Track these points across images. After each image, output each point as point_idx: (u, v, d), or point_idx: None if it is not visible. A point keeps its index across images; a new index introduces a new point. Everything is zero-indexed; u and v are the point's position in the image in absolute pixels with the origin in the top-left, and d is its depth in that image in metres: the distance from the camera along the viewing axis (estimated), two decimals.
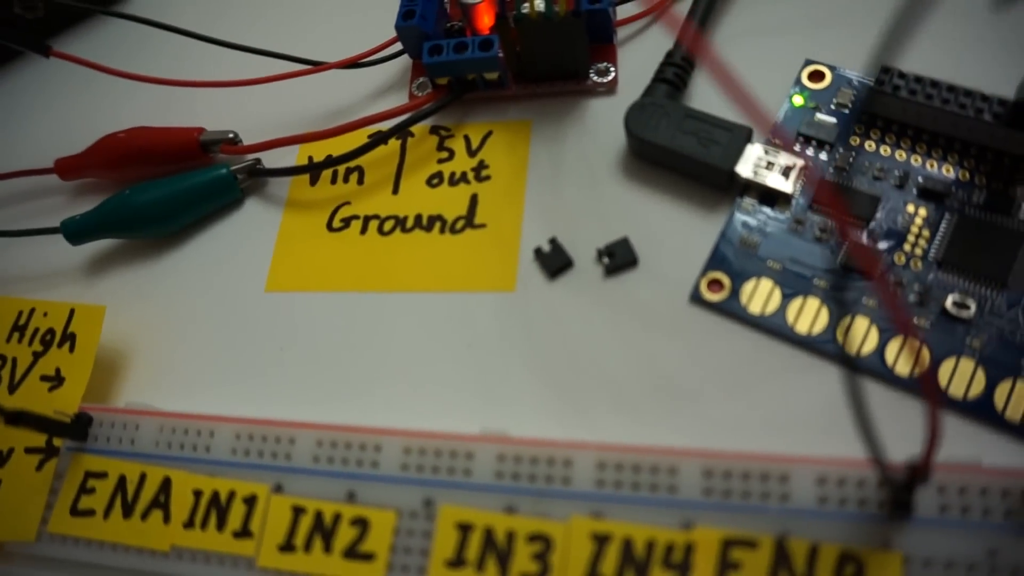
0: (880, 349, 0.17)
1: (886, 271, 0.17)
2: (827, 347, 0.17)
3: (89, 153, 0.24)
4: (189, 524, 0.18)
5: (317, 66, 0.23)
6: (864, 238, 0.17)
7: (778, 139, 0.19)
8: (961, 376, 0.17)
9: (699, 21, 0.21)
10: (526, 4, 0.20)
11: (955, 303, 0.17)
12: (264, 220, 0.23)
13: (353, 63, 0.23)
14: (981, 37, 0.20)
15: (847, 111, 0.20)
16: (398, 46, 0.23)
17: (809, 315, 0.18)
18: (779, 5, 0.22)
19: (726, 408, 0.17)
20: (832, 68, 0.20)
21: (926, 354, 0.17)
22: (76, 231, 0.22)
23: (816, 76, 0.20)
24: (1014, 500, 0.14)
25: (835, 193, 0.18)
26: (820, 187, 0.15)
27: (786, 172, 0.19)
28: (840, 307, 0.18)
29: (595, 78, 0.22)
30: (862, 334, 0.17)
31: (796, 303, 0.18)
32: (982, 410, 0.16)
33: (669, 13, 0.11)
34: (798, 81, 0.20)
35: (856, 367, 0.17)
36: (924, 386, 0.11)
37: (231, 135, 0.23)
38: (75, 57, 0.23)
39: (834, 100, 0.20)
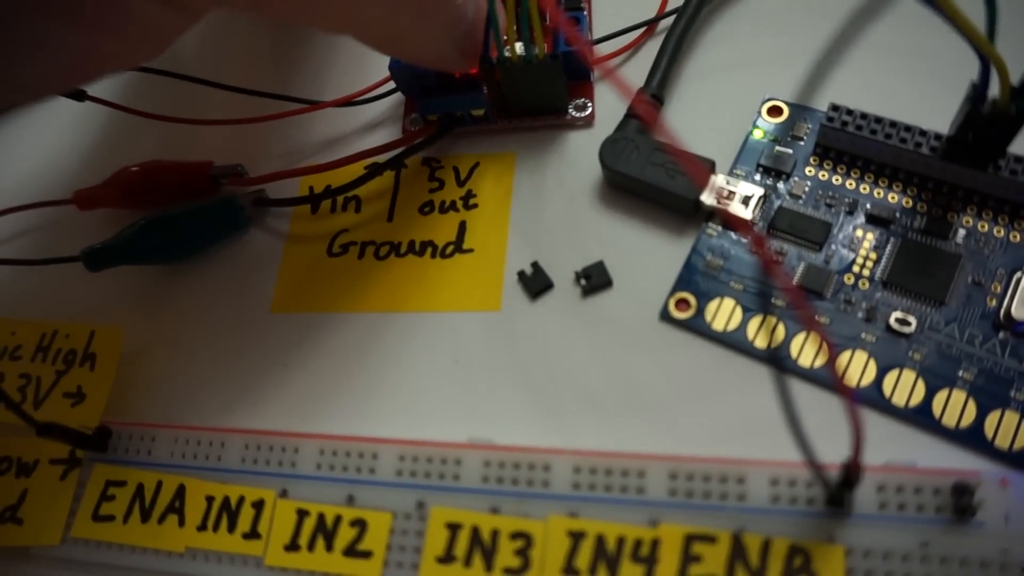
0: (830, 361, 0.19)
1: (797, 286, 0.19)
2: (783, 360, 0.19)
3: (106, 185, 0.25)
4: (202, 527, 0.19)
5: (315, 104, 0.25)
6: (778, 262, 0.18)
7: (724, 203, 0.20)
8: (903, 386, 0.18)
9: (667, 62, 0.23)
10: (508, 48, 0.21)
11: (898, 320, 0.19)
12: (269, 246, 0.24)
13: (349, 101, 0.25)
14: (920, 76, 0.22)
15: (802, 143, 0.22)
16: (391, 84, 0.25)
17: (767, 331, 0.19)
18: (742, 43, 0.24)
19: (691, 416, 0.19)
20: (789, 104, 0.22)
21: (842, 362, 0.18)
22: (95, 259, 0.23)
23: (775, 111, 0.22)
24: (944, 497, 0.16)
25: (746, 222, 0.20)
26: (733, 219, 0.17)
27: (746, 200, 0.20)
28: (795, 323, 0.19)
29: (574, 113, 0.24)
30: (815, 349, 0.19)
31: (756, 320, 0.20)
32: (921, 417, 0.18)
33: (621, 81, 0.13)
34: (758, 115, 0.22)
35: (807, 377, 0.19)
36: (844, 397, 0.13)
37: (238, 168, 0.25)
38: (109, 102, 0.25)
39: (791, 133, 0.22)
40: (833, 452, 0.15)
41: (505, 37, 0.21)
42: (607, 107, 0.24)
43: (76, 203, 0.26)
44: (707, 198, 0.21)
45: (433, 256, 0.23)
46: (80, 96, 0.25)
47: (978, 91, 0.17)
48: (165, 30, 0.15)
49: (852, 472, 0.14)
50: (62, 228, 0.27)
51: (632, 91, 0.14)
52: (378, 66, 0.25)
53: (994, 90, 0.17)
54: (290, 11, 0.17)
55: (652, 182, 0.21)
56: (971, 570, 0.15)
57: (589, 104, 0.24)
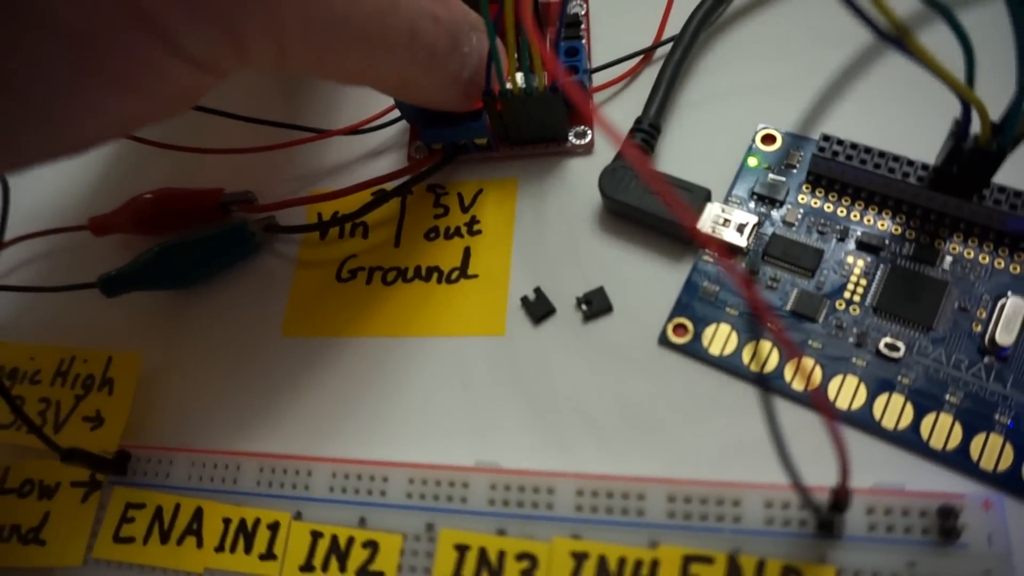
0: (823, 385, 0.20)
1: (770, 310, 0.20)
2: (777, 384, 0.20)
3: (120, 212, 0.26)
4: (220, 548, 0.20)
5: (323, 133, 0.26)
6: (757, 293, 0.19)
7: (720, 231, 0.21)
8: (892, 410, 0.19)
9: (664, 91, 0.24)
10: (509, 81, 0.22)
11: (887, 345, 0.20)
12: (279, 272, 0.25)
13: (355, 130, 0.26)
14: (909, 106, 0.22)
15: (796, 171, 0.22)
16: (396, 113, 0.26)
17: (762, 356, 0.20)
18: (737, 72, 0.25)
19: (688, 439, 0.20)
20: (782, 133, 0.23)
21: (817, 376, 0.19)
22: (112, 285, 0.24)
23: (768, 139, 0.23)
24: (930, 519, 0.17)
25: (726, 252, 0.21)
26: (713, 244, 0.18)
27: (740, 228, 0.21)
28: (788, 348, 0.20)
29: (574, 140, 0.25)
30: (808, 371, 0.20)
31: (751, 346, 0.20)
32: (910, 439, 0.19)
33: (610, 127, 0.14)
34: (752, 143, 0.23)
35: (801, 402, 0.19)
36: (830, 429, 0.13)
37: (248, 195, 0.26)
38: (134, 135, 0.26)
39: (784, 161, 0.22)
40: (826, 475, 0.15)
41: (507, 75, 0.22)
42: (605, 135, 0.25)
43: (91, 229, 0.27)
44: (703, 225, 0.21)
45: (439, 281, 0.24)
46: None
47: (961, 128, 0.17)
48: (193, 90, 0.16)
49: (840, 498, 0.15)
50: (77, 254, 0.27)
51: (621, 136, 0.14)
52: (384, 96, 0.25)
53: (976, 127, 0.17)
54: (309, 71, 0.18)
55: (650, 210, 0.22)
56: None
57: (588, 131, 0.25)
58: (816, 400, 0.13)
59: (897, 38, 0.13)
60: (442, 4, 0.19)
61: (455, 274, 0.24)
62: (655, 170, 0.13)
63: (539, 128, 0.24)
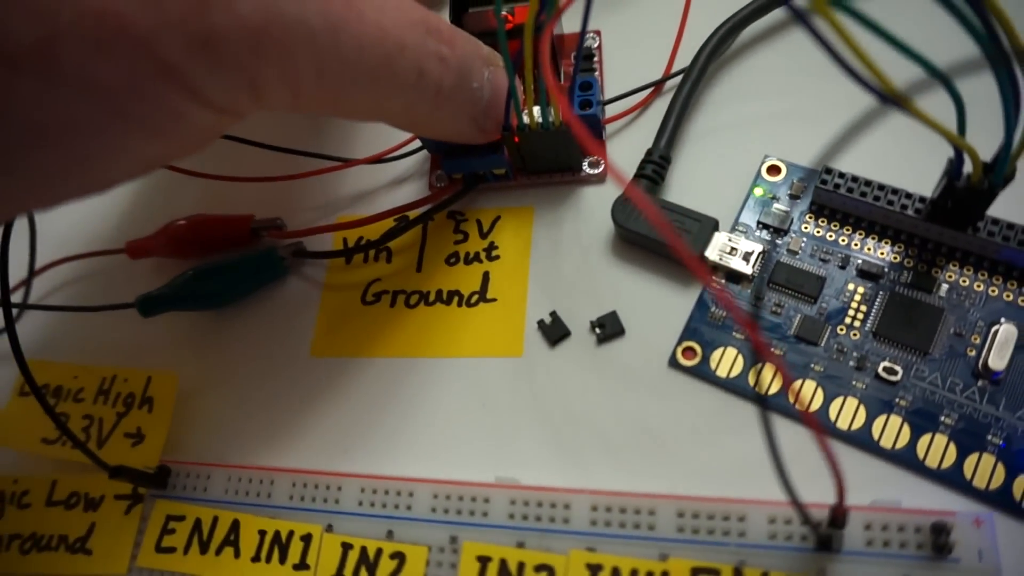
0: (824, 406, 0.21)
1: (761, 336, 0.21)
2: (781, 405, 0.21)
3: (155, 236, 0.28)
4: (256, 559, 0.21)
5: (348, 162, 0.27)
6: (756, 328, 0.20)
7: (727, 259, 0.22)
8: (891, 430, 0.20)
9: (674, 122, 0.25)
10: (527, 115, 0.23)
11: (886, 369, 0.21)
12: (307, 295, 0.26)
13: (379, 159, 0.27)
14: (908, 140, 0.23)
15: (800, 201, 0.23)
16: (417, 143, 0.27)
17: (765, 379, 0.21)
18: (744, 104, 0.26)
19: (697, 457, 0.21)
20: (787, 163, 0.24)
21: (811, 399, 0.20)
22: (149, 306, 0.26)
23: (773, 170, 0.24)
24: (924, 535, 0.18)
25: (726, 293, 0.22)
26: (719, 294, 0.19)
27: (746, 256, 0.22)
28: (791, 370, 0.21)
29: (588, 170, 0.26)
30: (810, 394, 0.21)
31: (756, 368, 0.22)
32: (907, 458, 0.20)
33: (616, 171, 0.15)
34: (758, 174, 0.24)
35: (802, 421, 0.20)
36: (825, 454, 0.14)
37: (277, 221, 0.27)
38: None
39: (788, 192, 0.24)
40: (828, 492, 0.16)
41: (525, 110, 0.23)
42: (619, 162, 0.26)
43: (128, 252, 0.28)
44: (711, 253, 0.23)
45: (459, 305, 0.25)
46: None
47: (954, 168, 0.19)
48: (213, 131, 0.17)
49: (838, 516, 0.16)
50: (114, 275, 0.29)
51: (626, 179, 0.16)
52: None
53: (969, 166, 0.18)
54: (322, 111, 0.19)
55: (660, 239, 0.23)
56: None
57: (602, 161, 0.26)
58: (809, 422, 0.14)
59: (896, 101, 0.14)
60: (448, 43, 0.20)
61: (474, 298, 0.25)
62: (659, 212, 0.14)
63: (555, 159, 0.25)
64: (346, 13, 0.17)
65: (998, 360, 0.20)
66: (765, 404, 0.15)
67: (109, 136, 0.15)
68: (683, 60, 0.26)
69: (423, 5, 0.20)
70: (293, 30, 0.16)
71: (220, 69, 0.15)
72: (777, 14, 0.27)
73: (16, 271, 0.27)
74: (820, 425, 0.16)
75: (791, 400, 0.21)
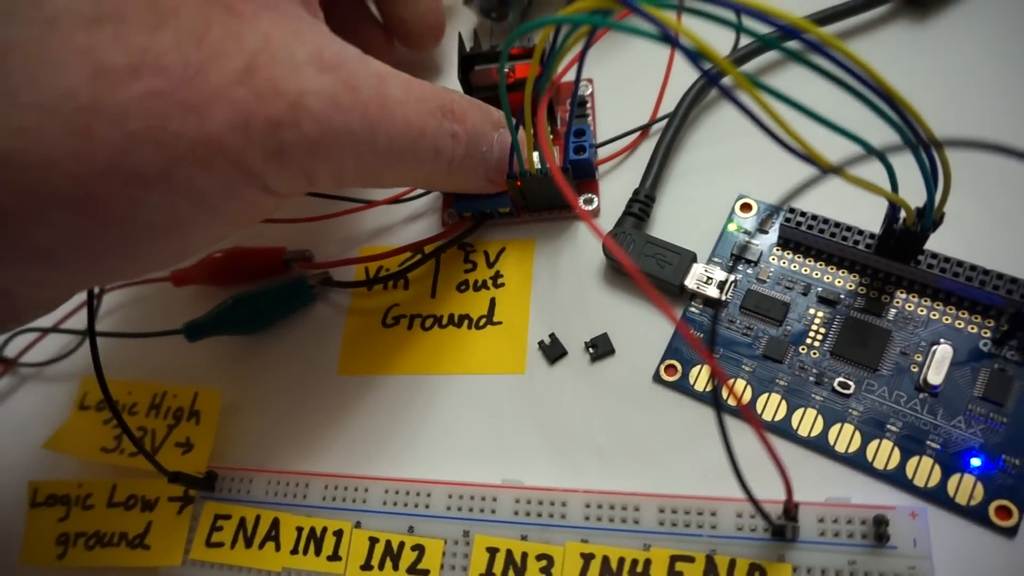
0: (788, 417, 0.24)
1: (711, 356, 0.24)
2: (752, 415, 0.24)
3: (197, 267, 0.31)
4: (295, 551, 0.24)
5: (369, 204, 0.30)
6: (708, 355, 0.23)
7: (704, 287, 0.26)
8: (844, 436, 0.23)
9: (658, 165, 0.28)
10: (527, 163, 0.26)
11: (840, 383, 0.24)
12: (333, 319, 0.30)
13: (396, 200, 0.30)
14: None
15: (768, 235, 0.27)
16: None
17: (738, 391, 0.24)
18: (721, 146, 0.29)
19: (677, 461, 0.24)
20: (757, 201, 0.27)
21: (746, 395, 0.23)
22: (195, 331, 0.29)
23: (745, 207, 0.27)
24: (868, 526, 0.21)
25: (685, 324, 0.25)
26: (682, 329, 0.22)
27: (721, 285, 0.26)
28: (759, 385, 0.24)
29: (583, 207, 0.29)
30: (775, 406, 0.24)
31: (729, 382, 0.25)
32: (858, 461, 0.23)
33: (595, 226, 0.18)
34: (732, 211, 0.27)
35: (769, 429, 0.24)
36: (773, 460, 0.18)
37: (306, 253, 0.30)
38: None
39: (759, 227, 0.27)
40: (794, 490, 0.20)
41: (526, 157, 0.26)
42: (610, 199, 0.29)
43: (172, 281, 0.31)
44: (690, 283, 0.26)
45: (469, 327, 0.28)
46: None
47: (893, 214, 0.22)
48: (270, 210, 0.21)
49: (788, 509, 0.20)
50: (160, 301, 0.32)
51: (603, 233, 0.19)
52: None
53: (904, 213, 0.22)
54: (356, 186, 0.23)
55: (646, 270, 0.26)
56: None
57: (595, 198, 0.29)
58: (748, 417, 0.17)
59: (834, 171, 0.17)
60: (460, 120, 0.24)
61: (482, 321, 0.28)
62: (632, 264, 0.17)
63: (552, 198, 0.28)
64: (380, 115, 0.21)
65: (936, 376, 0.23)
66: (720, 408, 0.18)
67: (202, 225, 0.19)
68: (668, 106, 0.30)
69: None
70: (341, 137, 0.20)
71: (286, 170, 0.19)
72: (749, 67, 0.30)
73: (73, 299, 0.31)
74: (758, 420, 0.19)
75: (728, 397, 0.23)
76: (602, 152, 0.30)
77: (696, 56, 0.16)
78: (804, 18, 0.29)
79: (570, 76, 0.31)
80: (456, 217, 0.30)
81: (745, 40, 0.29)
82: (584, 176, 0.29)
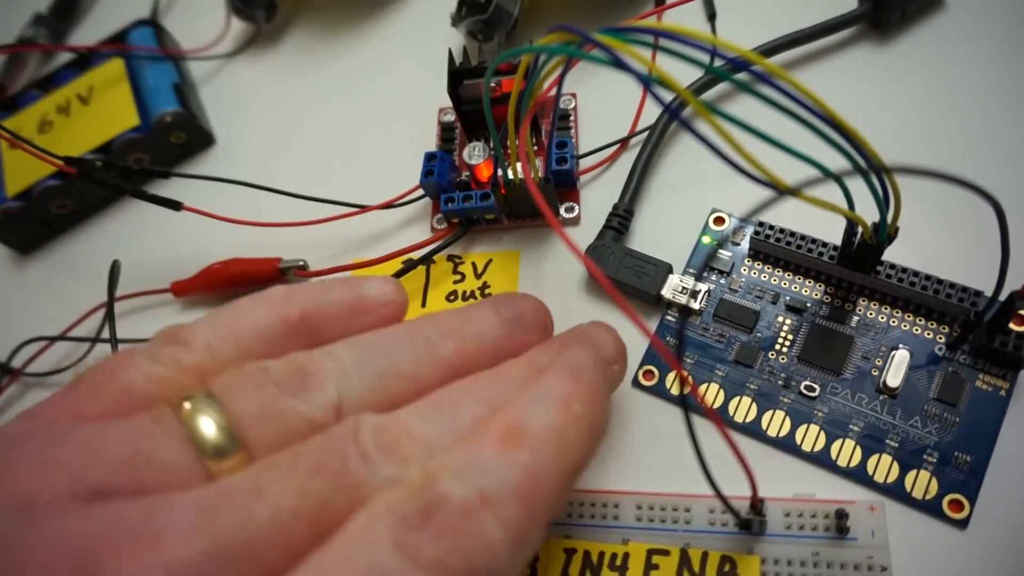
0: (758, 418, 0.25)
1: (679, 363, 0.26)
2: (724, 417, 0.26)
3: (196, 278, 0.32)
4: None
5: (362, 208, 0.32)
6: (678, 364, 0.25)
7: (680, 297, 0.27)
8: (810, 436, 0.25)
9: (636, 180, 0.30)
10: (511, 171, 0.28)
11: (806, 386, 0.25)
12: None
13: (388, 205, 0.32)
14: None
15: (740, 247, 0.28)
16: (421, 191, 0.32)
17: (711, 395, 0.26)
18: (696, 162, 0.31)
19: (654, 460, 0.25)
20: (730, 215, 0.29)
21: (764, 422, 0.25)
22: None
23: (719, 221, 0.29)
24: (830, 519, 0.23)
25: (658, 338, 0.27)
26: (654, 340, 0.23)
27: (695, 295, 0.27)
28: (731, 388, 0.26)
29: (564, 214, 0.31)
30: (746, 408, 0.26)
31: (702, 387, 0.26)
32: (823, 459, 0.24)
33: (573, 243, 0.19)
34: (706, 224, 0.29)
35: (735, 428, 0.25)
36: (737, 458, 0.19)
37: (301, 263, 0.32)
38: (202, 211, 0.31)
39: (731, 239, 0.28)
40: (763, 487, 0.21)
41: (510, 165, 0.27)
42: (591, 207, 0.31)
43: (173, 291, 0.33)
44: (666, 292, 0.27)
45: None
46: (177, 207, 0.32)
47: (849, 230, 0.23)
48: None
49: (754, 505, 0.21)
50: (161, 312, 0.33)
51: (580, 251, 0.20)
52: (410, 177, 0.31)
53: (861, 228, 0.23)
54: None
55: (624, 280, 0.28)
56: (848, 571, 0.22)
57: (576, 207, 0.31)
58: (712, 417, 0.19)
59: (791, 192, 0.18)
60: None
61: None
62: (609, 282, 0.19)
63: (535, 205, 0.30)
64: None
65: (895, 379, 0.25)
66: (688, 411, 0.19)
67: None
68: (647, 119, 0.31)
69: None
70: None
71: None
72: (714, 93, 0.31)
73: (71, 310, 0.32)
74: (720, 419, 0.20)
75: (695, 399, 0.25)
76: (584, 163, 0.32)
77: (649, 82, 0.17)
78: (769, 42, 0.31)
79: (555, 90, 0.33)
80: (445, 223, 0.31)
81: (697, 73, 0.30)
82: (566, 185, 0.31)
